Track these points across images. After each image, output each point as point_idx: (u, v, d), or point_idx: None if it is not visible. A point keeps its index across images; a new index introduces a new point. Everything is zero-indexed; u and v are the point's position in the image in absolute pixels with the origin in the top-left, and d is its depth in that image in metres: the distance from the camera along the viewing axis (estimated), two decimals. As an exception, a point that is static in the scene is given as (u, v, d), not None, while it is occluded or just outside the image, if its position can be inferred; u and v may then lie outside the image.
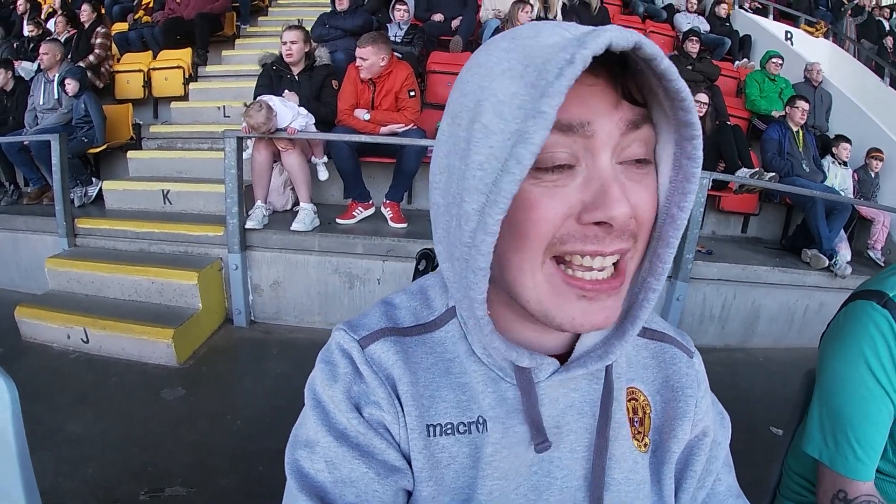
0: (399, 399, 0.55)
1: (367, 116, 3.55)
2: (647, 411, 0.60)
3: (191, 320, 3.05)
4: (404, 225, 3.55)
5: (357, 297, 3.37)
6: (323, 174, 3.75)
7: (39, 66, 4.46)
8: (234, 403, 2.60)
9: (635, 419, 0.59)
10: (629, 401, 0.59)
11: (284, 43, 3.60)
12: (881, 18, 9.40)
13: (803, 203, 4.15)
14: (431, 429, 0.55)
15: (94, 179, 4.27)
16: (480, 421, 0.54)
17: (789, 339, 3.93)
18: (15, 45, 5.90)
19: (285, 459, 0.56)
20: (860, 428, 0.95)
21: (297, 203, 3.59)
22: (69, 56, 4.95)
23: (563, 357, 0.54)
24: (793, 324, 3.94)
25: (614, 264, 0.45)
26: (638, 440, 0.58)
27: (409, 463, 0.55)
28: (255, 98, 3.46)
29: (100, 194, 4.08)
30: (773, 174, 4.02)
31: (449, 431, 0.55)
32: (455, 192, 0.45)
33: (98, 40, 5.28)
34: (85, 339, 2.96)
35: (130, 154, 4.42)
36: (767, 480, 1.22)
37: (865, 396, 0.95)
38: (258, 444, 2.23)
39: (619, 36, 0.37)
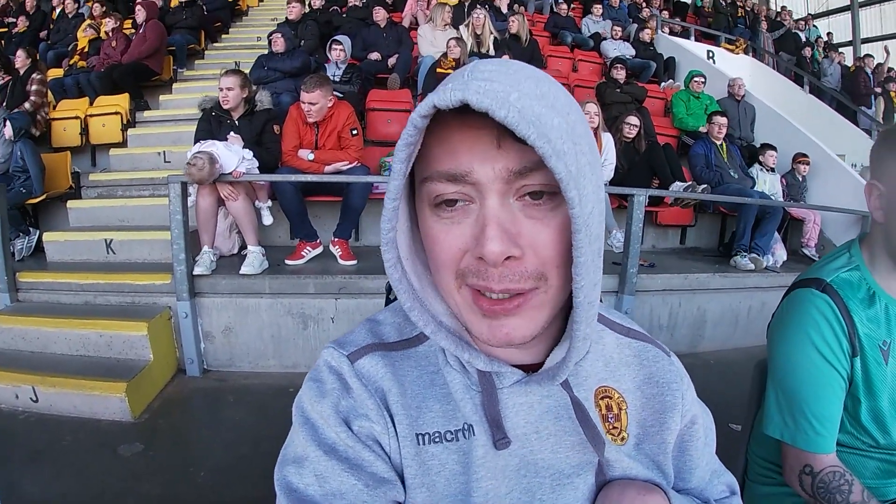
0: (389, 410, 0.58)
1: (312, 156, 3.59)
2: (623, 407, 0.63)
3: (143, 372, 2.96)
4: (354, 262, 3.57)
5: (312, 337, 3.35)
6: (267, 219, 3.74)
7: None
8: (194, 455, 2.53)
9: (609, 415, 0.62)
10: (602, 398, 0.62)
11: (221, 89, 3.59)
12: (797, 31, 10.06)
13: (740, 208, 4.40)
14: (421, 437, 0.58)
15: (31, 230, 4.13)
16: (467, 427, 0.58)
17: (736, 340, 4.11)
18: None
19: (275, 477, 0.57)
20: (816, 404, 1.03)
21: (244, 246, 3.56)
22: (4, 103, 4.82)
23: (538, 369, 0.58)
24: (738, 324, 4.14)
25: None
26: (613, 434, 0.62)
27: (402, 473, 0.58)
28: (195, 142, 3.45)
29: (40, 246, 3.95)
30: (705, 185, 4.25)
31: (437, 440, 0.58)
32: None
33: (33, 87, 5.12)
34: (34, 398, 2.83)
35: (70, 203, 4.30)
36: (735, 471, 1.29)
37: (816, 375, 1.04)
38: (224, 494, 2.19)
39: (441, 98, 0.43)
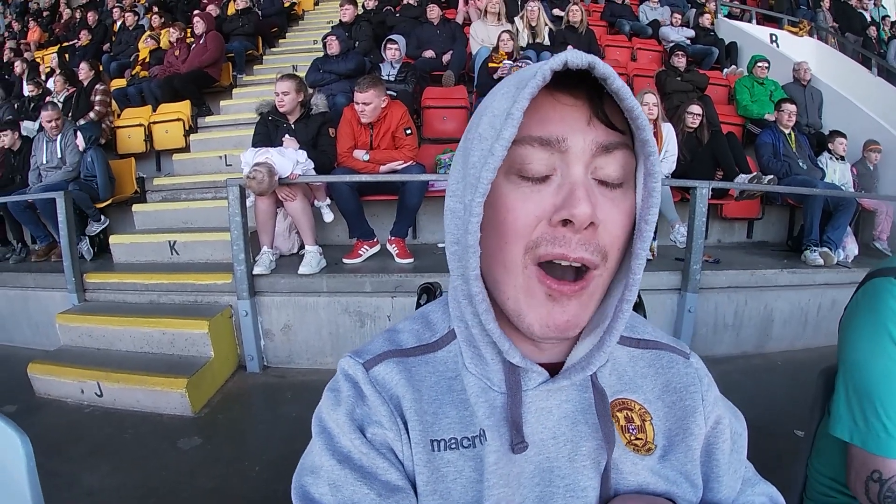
0: (403, 416, 0.57)
1: (367, 157, 3.60)
2: (647, 418, 0.61)
3: (204, 369, 3.05)
4: (411, 260, 3.57)
5: (368, 335, 3.37)
6: (328, 216, 3.79)
7: (41, 125, 4.54)
8: (251, 449, 2.59)
9: (630, 427, 0.60)
10: (620, 410, 0.60)
11: (277, 94, 3.64)
12: (862, 10, 9.49)
13: (806, 200, 4.17)
14: (436, 444, 0.56)
15: (101, 217, 4.36)
16: (481, 433, 0.56)
17: (805, 340, 3.90)
18: (16, 106, 6.04)
19: (292, 486, 0.57)
20: (890, 403, 0.92)
21: (302, 246, 3.62)
22: (69, 115, 5.06)
23: (555, 372, 0.57)
24: (807, 324, 3.91)
25: (579, 271, 0.50)
26: (638, 445, 0.59)
27: (414, 480, 0.56)
28: (253, 145, 3.52)
29: (108, 248, 4.13)
30: (772, 177, 4.04)
31: (453, 446, 0.56)
32: (461, 193, 0.52)
33: (97, 97, 5.42)
34: (99, 393, 2.97)
35: (136, 207, 4.47)
36: (792, 484, 1.19)
37: (893, 371, 0.93)
38: (278, 488, 2.23)
39: (574, 56, 0.45)
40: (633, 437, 0.59)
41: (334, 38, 4.87)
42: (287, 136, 3.61)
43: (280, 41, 7.70)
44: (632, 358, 0.64)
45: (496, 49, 4.99)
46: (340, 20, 5.88)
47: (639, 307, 0.92)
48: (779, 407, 2.88)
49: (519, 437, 0.54)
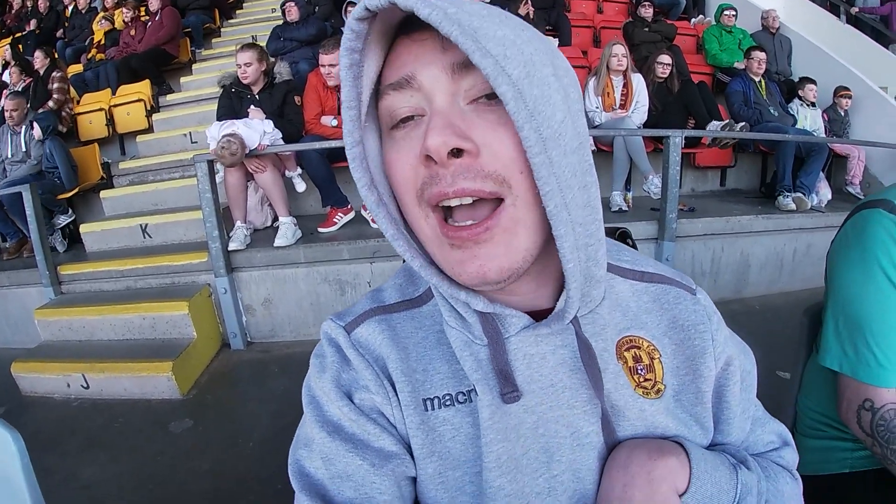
0: (390, 378, 0.55)
1: (335, 122, 3.54)
2: (656, 356, 0.57)
3: (188, 350, 3.02)
4: (387, 224, 3.54)
5: (349, 302, 3.27)
6: (300, 186, 3.74)
7: (3, 118, 4.40)
8: (242, 427, 2.58)
9: (639, 367, 0.57)
10: (627, 349, 0.57)
11: (239, 65, 3.55)
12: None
13: (778, 147, 4.22)
14: (429, 402, 0.54)
15: (68, 209, 4.25)
16: (473, 387, 0.54)
17: (782, 284, 3.99)
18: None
19: (288, 461, 0.55)
20: (880, 333, 0.92)
21: (276, 219, 3.57)
22: (28, 105, 4.89)
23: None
24: (783, 268, 4.00)
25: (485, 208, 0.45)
26: (646, 387, 0.56)
27: (409, 444, 0.54)
28: (217, 119, 3.44)
29: (79, 238, 4.04)
30: (744, 123, 4.06)
31: (448, 402, 0.54)
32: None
33: (55, 85, 5.25)
34: (85, 385, 2.93)
35: (103, 194, 4.37)
36: (783, 423, 1.21)
37: (883, 301, 0.93)
38: (272, 463, 2.23)
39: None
40: (641, 379, 0.56)
41: (293, 4, 4.77)
42: (252, 107, 3.52)
43: (237, 12, 7.54)
44: (635, 292, 0.61)
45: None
46: (299, -15, 5.72)
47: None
48: (759, 350, 2.92)
49: (509, 387, 0.52)
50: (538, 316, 0.53)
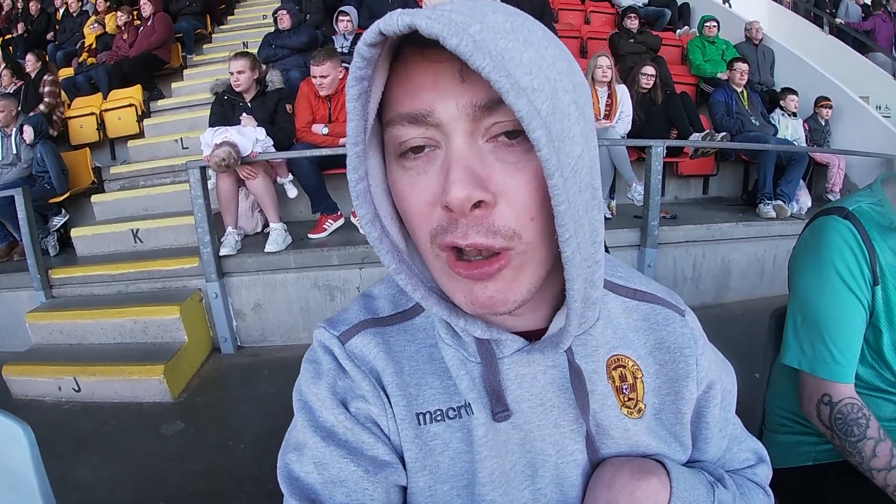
0: (385, 391, 0.55)
1: (326, 130, 3.59)
2: (638, 376, 0.58)
3: (179, 354, 3.04)
4: (376, 231, 3.58)
5: (338, 308, 3.30)
6: (292, 192, 3.78)
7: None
8: (234, 429, 2.62)
9: (624, 386, 0.58)
10: (615, 368, 0.58)
11: (232, 73, 3.58)
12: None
13: (759, 156, 4.31)
14: (421, 417, 0.54)
15: (62, 210, 4.26)
16: (467, 404, 0.54)
17: (762, 289, 4.06)
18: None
19: (277, 465, 0.55)
20: (836, 332, 1.01)
21: (267, 224, 3.60)
22: (19, 108, 4.89)
23: (538, 337, 0.54)
24: (763, 274, 4.08)
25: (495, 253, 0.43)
26: (629, 407, 0.57)
27: (402, 456, 0.55)
28: (210, 126, 3.48)
29: (70, 242, 4.04)
30: (724, 133, 4.16)
31: (439, 418, 0.54)
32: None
33: (46, 88, 5.22)
34: (76, 388, 2.94)
35: (94, 198, 4.37)
36: (753, 420, 1.28)
37: (838, 301, 1.01)
38: (264, 464, 2.26)
39: (388, 21, 0.38)
40: (626, 399, 0.57)
41: (285, 11, 4.78)
42: (244, 114, 3.57)
43: (228, 18, 7.54)
44: (626, 309, 0.61)
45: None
46: (290, -7, 5.76)
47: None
48: (739, 354, 2.97)
49: (500, 406, 0.52)
50: (531, 335, 0.54)
